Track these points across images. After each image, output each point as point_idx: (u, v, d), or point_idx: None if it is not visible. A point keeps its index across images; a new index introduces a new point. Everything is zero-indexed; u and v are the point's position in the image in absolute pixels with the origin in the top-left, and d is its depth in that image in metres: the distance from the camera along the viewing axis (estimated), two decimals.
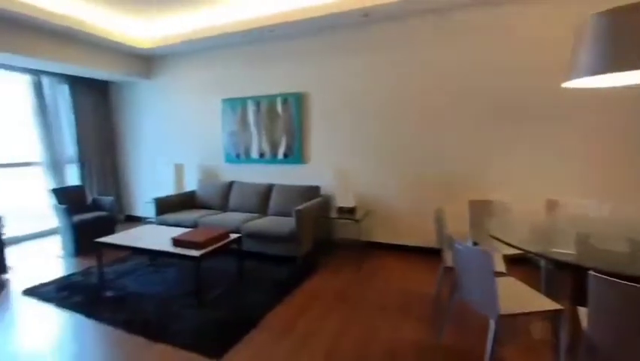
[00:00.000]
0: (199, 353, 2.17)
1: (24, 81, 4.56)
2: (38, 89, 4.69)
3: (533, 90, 3.27)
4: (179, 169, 4.97)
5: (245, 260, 3.69)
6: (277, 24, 3.81)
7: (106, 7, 3.81)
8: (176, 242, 2.99)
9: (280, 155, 4.45)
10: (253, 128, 4.58)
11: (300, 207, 3.48)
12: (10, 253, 4.17)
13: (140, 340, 2.33)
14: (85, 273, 3.47)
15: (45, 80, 4.76)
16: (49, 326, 2.54)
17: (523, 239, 1.96)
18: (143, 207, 5.60)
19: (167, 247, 2.97)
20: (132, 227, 4.38)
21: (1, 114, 4.48)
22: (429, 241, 3.82)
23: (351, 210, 3.68)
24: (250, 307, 2.69)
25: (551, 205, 2.84)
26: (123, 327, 2.47)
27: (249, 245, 3.69)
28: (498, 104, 3.40)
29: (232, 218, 3.94)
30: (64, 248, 4.14)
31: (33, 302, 2.92)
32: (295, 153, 4.36)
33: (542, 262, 2.88)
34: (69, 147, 5.12)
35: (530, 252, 1.75)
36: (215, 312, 2.63)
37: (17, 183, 4.70)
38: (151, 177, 5.55)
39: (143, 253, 3.01)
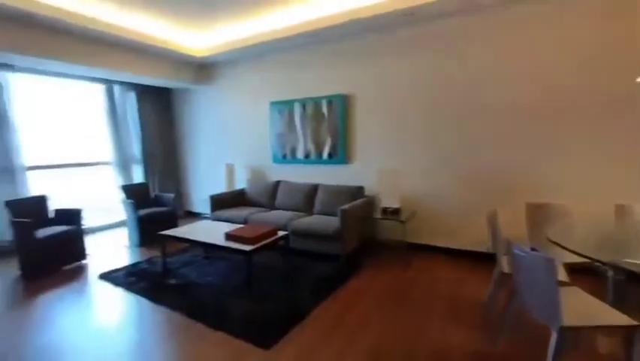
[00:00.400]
0: (252, 342, 2.28)
1: (99, 90, 5.09)
2: (110, 96, 5.21)
3: (596, 87, 2.99)
4: (230, 169, 5.23)
5: (291, 257, 3.78)
6: (322, 28, 3.86)
7: (168, 22, 4.13)
8: (229, 237, 3.16)
9: (325, 155, 4.51)
10: (299, 130, 4.68)
11: (344, 207, 3.50)
12: (87, 241, 4.66)
13: (200, 326, 2.49)
14: (149, 262, 3.78)
15: (116, 88, 5.26)
16: (119, 308, 2.82)
17: (588, 246, 1.81)
18: (200, 203, 5.98)
19: (221, 241, 3.15)
20: (190, 222, 4.69)
21: (80, 120, 5.04)
22: (478, 244, 3.65)
23: (396, 211, 3.63)
24: (298, 302, 2.77)
25: (620, 211, 2.57)
26: (185, 313, 2.67)
27: (295, 242, 3.79)
28: (555, 102, 3.15)
29: (279, 216, 4.06)
30: (130, 239, 4.55)
31: (106, 285, 3.25)
32: (339, 154, 4.39)
33: (610, 273, 2.62)
34: (135, 147, 5.61)
35: (600, 261, 1.61)
36: (265, 304, 2.74)
37: (93, 180, 5.25)
38: (206, 176, 5.91)
39: (200, 245, 3.23)
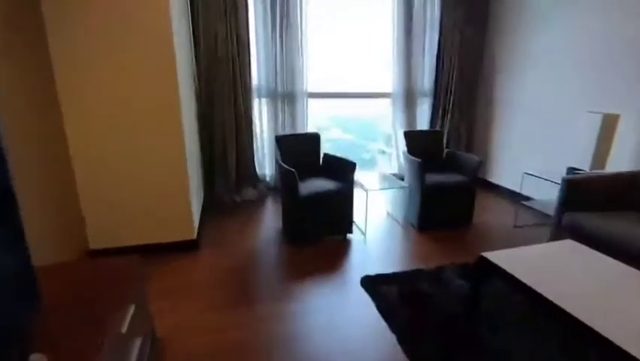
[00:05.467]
0: None
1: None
2: (408, 6, 3.87)
3: None
4: (608, 124, 2.68)
5: None
6: None
7: None
8: None
9: None
10: None
11: None
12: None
13: None
14: (435, 278, 2.29)
15: None
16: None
17: None
18: (511, 176, 3.81)
19: (631, 344, 1.05)
20: (489, 200, 2.89)
21: (362, 38, 4.08)
22: None
23: None
24: None
25: None
26: None
27: None
28: None
29: None
30: (405, 213, 3.24)
31: (369, 306, 2.06)
32: None
33: None
34: (426, 75, 4.11)
35: None
36: None
37: (365, 115, 4.36)
38: (535, 132, 3.59)
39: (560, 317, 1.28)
